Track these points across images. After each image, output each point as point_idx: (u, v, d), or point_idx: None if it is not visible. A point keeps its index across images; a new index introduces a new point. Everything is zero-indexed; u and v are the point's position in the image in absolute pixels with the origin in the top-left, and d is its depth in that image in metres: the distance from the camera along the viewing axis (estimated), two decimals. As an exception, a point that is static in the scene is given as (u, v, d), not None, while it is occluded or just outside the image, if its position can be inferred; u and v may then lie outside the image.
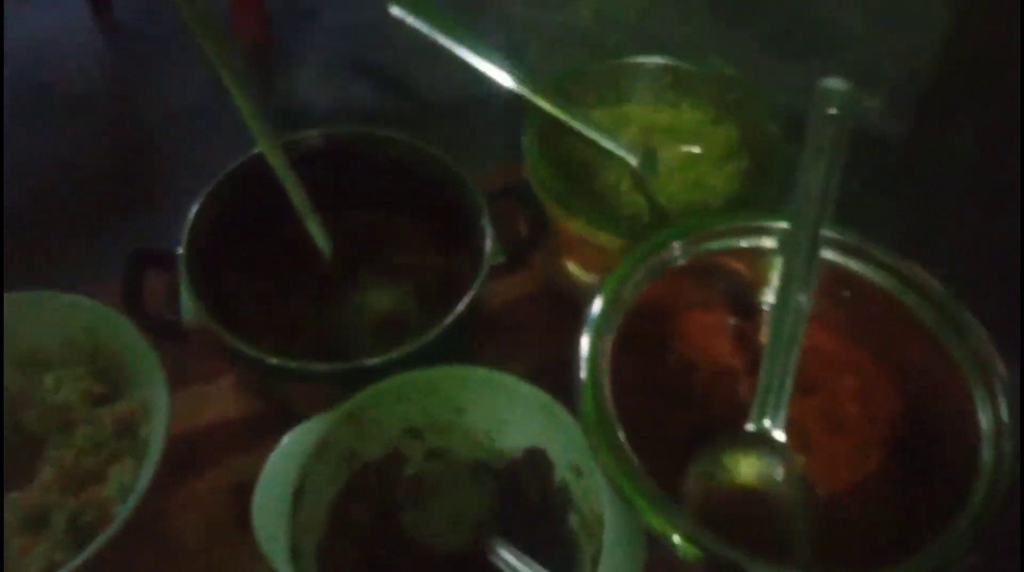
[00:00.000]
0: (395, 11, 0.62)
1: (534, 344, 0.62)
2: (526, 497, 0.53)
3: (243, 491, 0.48)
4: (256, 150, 0.57)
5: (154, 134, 1.31)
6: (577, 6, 1.66)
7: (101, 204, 1.18)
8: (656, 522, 0.42)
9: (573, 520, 0.52)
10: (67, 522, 0.48)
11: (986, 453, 0.46)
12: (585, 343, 0.49)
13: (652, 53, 0.69)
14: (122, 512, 0.46)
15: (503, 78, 0.63)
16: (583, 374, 0.48)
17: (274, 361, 0.50)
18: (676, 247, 0.55)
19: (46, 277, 0.59)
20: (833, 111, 0.54)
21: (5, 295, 0.54)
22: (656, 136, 0.68)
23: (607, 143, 0.64)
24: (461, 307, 0.54)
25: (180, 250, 0.55)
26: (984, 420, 0.48)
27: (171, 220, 0.58)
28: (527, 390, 0.51)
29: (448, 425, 0.53)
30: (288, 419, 0.50)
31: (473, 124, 1.03)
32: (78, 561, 0.44)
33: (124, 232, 1.11)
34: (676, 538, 0.42)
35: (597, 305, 0.51)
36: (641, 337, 0.54)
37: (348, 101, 1.41)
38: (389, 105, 1.38)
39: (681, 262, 0.55)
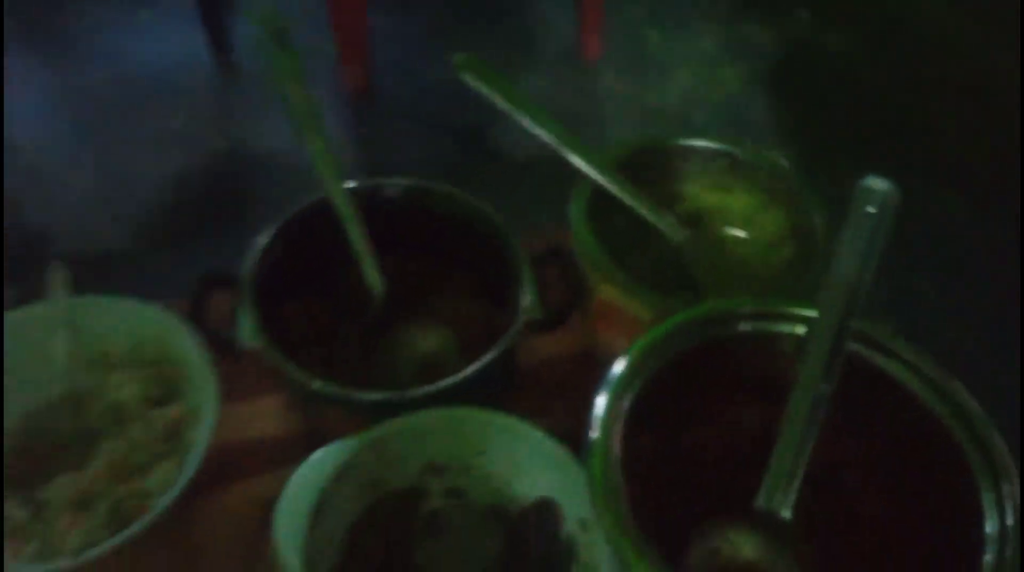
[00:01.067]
0: (466, 78, 0.66)
1: (565, 404, 0.64)
2: (532, 546, 0.55)
3: (269, 506, 0.51)
4: (323, 195, 0.63)
5: (245, 169, 1.42)
6: (668, 86, 1.72)
7: (188, 224, 1.29)
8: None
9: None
10: (110, 508, 0.53)
11: (988, 557, 0.47)
12: (601, 404, 0.51)
13: (707, 137, 0.72)
14: (160, 505, 0.51)
15: (558, 146, 0.66)
16: (595, 434, 0.50)
17: (316, 385, 0.54)
18: (706, 324, 0.56)
19: (131, 284, 0.65)
20: (872, 210, 0.56)
21: (86, 296, 0.60)
22: (705, 217, 0.71)
23: (653, 219, 0.67)
24: (496, 351, 0.57)
25: (244, 276, 0.61)
26: (990, 525, 0.48)
27: (245, 246, 0.64)
28: (544, 441, 0.54)
29: (468, 467, 0.56)
30: (323, 443, 0.54)
31: (537, 182, 1.08)
32: (113, 542, 0.49)
33: (203, 251, 1.20)
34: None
35: (618, 368, 0.53)
36: (659, 407, 0.55)
37: (431, 154, 1.50)
38: (467, 160, 1.46)
39: (709, 339, 0.57)
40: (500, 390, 0.62)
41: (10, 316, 0.60)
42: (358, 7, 1.46)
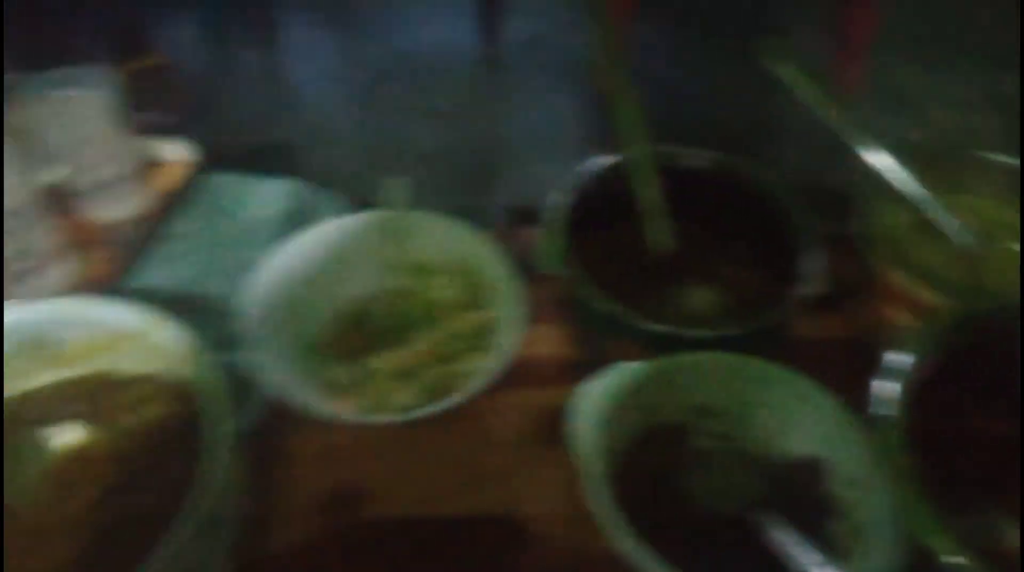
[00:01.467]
0: (769, 65, 0.71)
1: (825, 382, 0.67)
2: (795, 498, 0.57)
3: (545, 413, 0.59)
4: (612, 158, 0.70)
5: (501, 149, 1.53)
6: (921, 126, 1.68)
7: (449, 187, 1.42)
8: (943, 546, 0.45)
9: (835, 528, 0.55)
10: (426, 383, 0.62)
11: None
12: (891, 383, 0.53)
13: (1001, 151, 0.72)
14: (470, 388, 0.58)
15: (854, 144, 0.69)
16: (887, 411, 0.52)
17: (610, 309, 0.60)
18: (997, 318, 0.57)
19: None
20: None
21: (417, 211, 0.69)
22: (990, 228, 0.71)
23: (942, 221, 0.68)
24: (779, 313, 0.61)
25: (550, 212, 0.68)
26: None
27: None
28: (822, 398, 0.56)
29: (736, 415, 0.59)
30: (599, 369, 0.59)
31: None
32: (432, 409, 0.57)
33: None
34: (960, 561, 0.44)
35: (906, 352, 0.55)
36: (941, 391, 0.56)
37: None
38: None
39: (997, 332, 0.57)
40: (769, 356, 0.65)
41: (349, 219, 0.70)
42: (625, 17, 1.54)
